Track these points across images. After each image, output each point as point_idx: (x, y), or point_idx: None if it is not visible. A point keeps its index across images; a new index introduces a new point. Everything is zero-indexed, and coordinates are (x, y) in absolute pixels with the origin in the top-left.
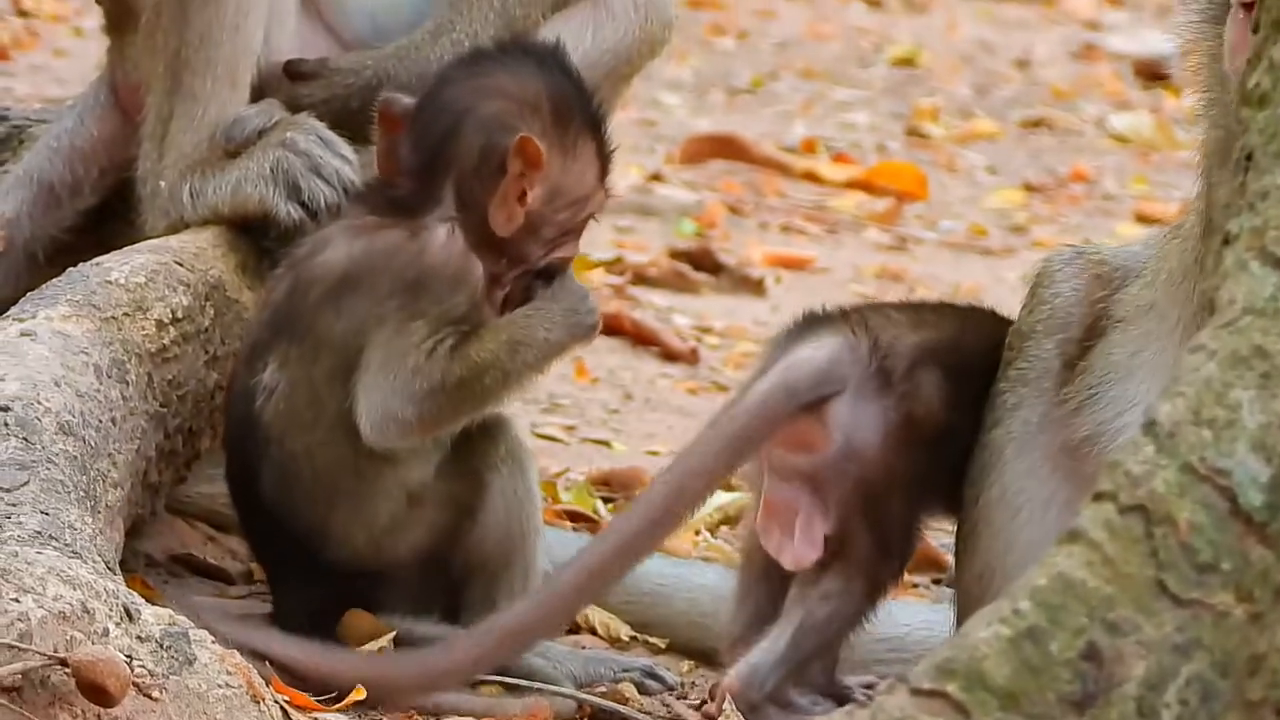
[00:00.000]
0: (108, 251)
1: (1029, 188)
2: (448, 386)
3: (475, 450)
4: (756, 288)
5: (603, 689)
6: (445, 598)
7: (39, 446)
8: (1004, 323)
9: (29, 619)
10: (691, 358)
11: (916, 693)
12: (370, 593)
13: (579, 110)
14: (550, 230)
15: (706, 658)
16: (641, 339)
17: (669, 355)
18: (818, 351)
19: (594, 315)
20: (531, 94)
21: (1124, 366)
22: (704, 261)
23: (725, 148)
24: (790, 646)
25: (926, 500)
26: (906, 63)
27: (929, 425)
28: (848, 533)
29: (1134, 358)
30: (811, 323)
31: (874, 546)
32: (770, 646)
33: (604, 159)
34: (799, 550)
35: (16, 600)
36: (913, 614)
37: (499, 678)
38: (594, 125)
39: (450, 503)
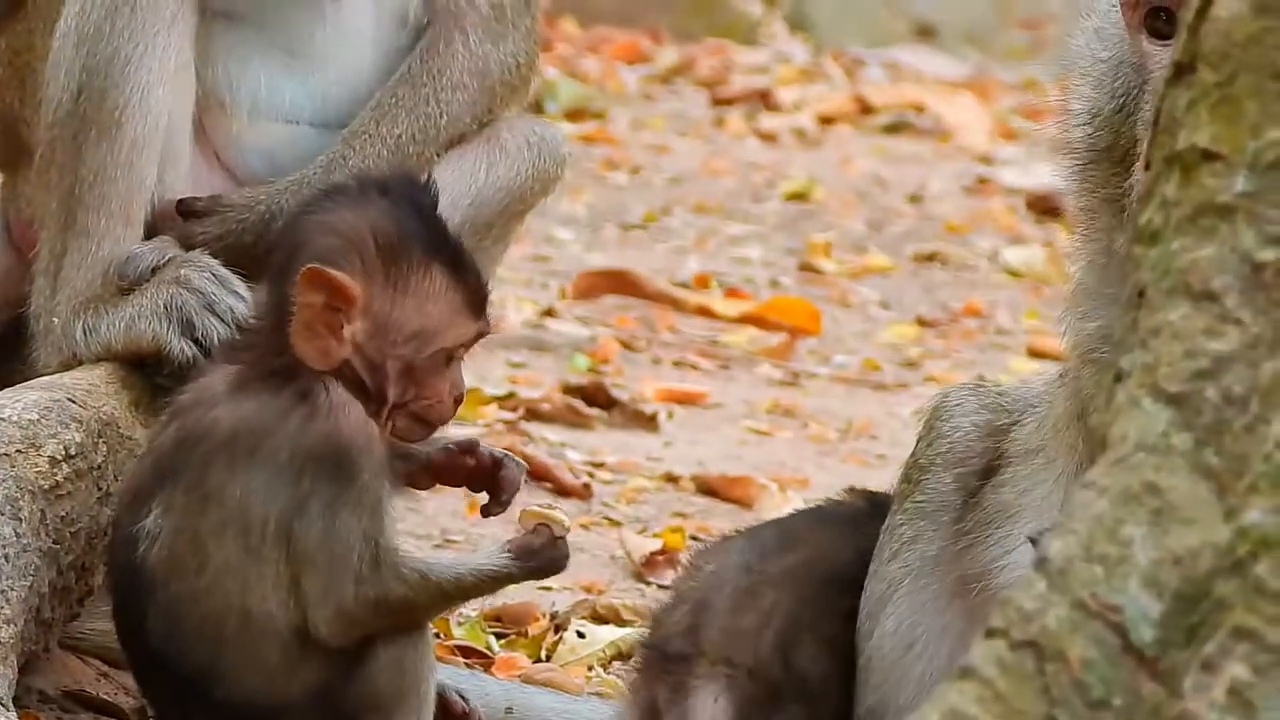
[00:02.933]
0: (0, 388)
1: (922, 322)
2: (391, 601)
3: None
4: (649, 423)
5: None
6: None
7: None
8: (820, 525)
9: None
10: (584, 493)
11: None
12: None
13: (418, 244)
14: (396, 365)
15: None
16: (534, 474)
17: (561, 490)
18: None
19: (557, 558)
20: (358, 229)
21: (1013, 506)
22: (597, 397)
23: (618, 283)
24: None
25: None
26: (800, 198)
27: (834, 683)
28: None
29: (1022, 497)
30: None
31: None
32: None
33: (460, 291)
34: None
35: None
36: None
37: None
38: (441, 258)
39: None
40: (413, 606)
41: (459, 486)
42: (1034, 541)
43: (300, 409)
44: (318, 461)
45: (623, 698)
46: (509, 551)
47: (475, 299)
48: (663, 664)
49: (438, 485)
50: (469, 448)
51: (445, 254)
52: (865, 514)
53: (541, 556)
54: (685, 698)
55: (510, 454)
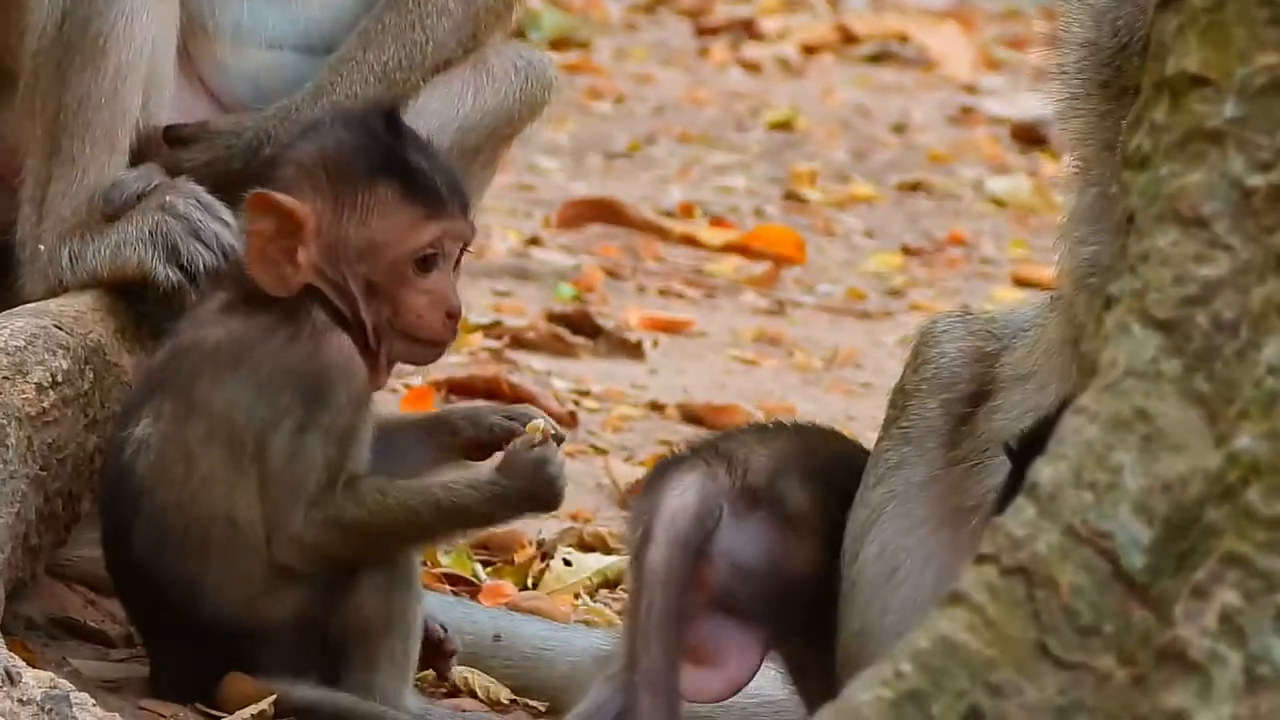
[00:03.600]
0: None
1: (907, 251)
2: (345, 523)
3: None
4: (634, 351)
5: None
6: (326, 661)
7: None
8: (843, 439)
9: None
10: (570, 421)
11: None
12: (250, 655)
13: (364, 162)
14: (358, 284)
15: None
16: (520, 402)
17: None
18: (685, 494)
19: (550, 488)
20: (310, 155)
21: (1006, 432)
22: (582, 325)
23: (603, 212)
24: None
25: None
26: (783, 127)
27: (805, 524)
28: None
29: (1015, 423)
30: (665, 470)
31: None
32: None
33: (413, 203)
34: (734, 674)
35: None
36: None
37: None
38: (389, 174)
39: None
40: (378, 530)
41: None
42: (1010, 450)
43: (284, 330)
44: (296, 382)
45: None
46: (497, 469)
47: (432, 208)
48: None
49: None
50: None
51: (394, 169)
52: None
53: (529, 470)
54: (661, 473)
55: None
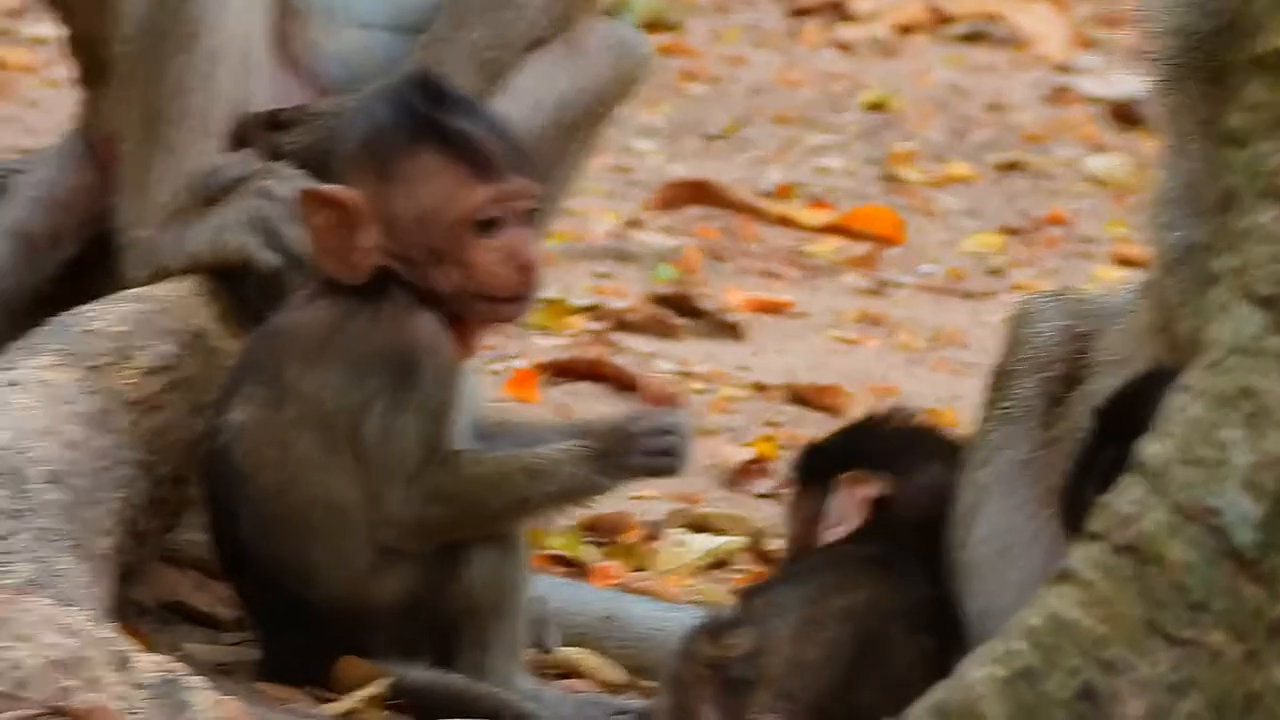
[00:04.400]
0: (89, 302)
1: (1006, 231)
2: (444, 496)
3: None
4: (736, 332)
5: None
6: (437, 643)
7: (28, 496)
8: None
9: (24, 667)
10: (675, 403)
11: None
12: (362, 637)
13: (400, 133)
14: (422, 254)
15: None
16: (624, 385)
17: (652, 401)
18: None
19: (636, 454)
20: (353, 139)
21: None
22: (683, 306)
23: (701, 193)
24: None
25: None
26: (879, 107)
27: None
28: None
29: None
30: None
31: None
32: None
33: (458, 164)
34: None
35: (11, 648)
36: None
37: None
38: (427, 139)
39: (434, 548)
40: (476, 501)
41: None
42: (1097, 411)
43: (365, 312)
44: (382, 362)
45: (665, 699)
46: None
47: (478, 166)
48: (718, 684)
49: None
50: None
51: (433, 136)
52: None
53: (617, 436)
54: None
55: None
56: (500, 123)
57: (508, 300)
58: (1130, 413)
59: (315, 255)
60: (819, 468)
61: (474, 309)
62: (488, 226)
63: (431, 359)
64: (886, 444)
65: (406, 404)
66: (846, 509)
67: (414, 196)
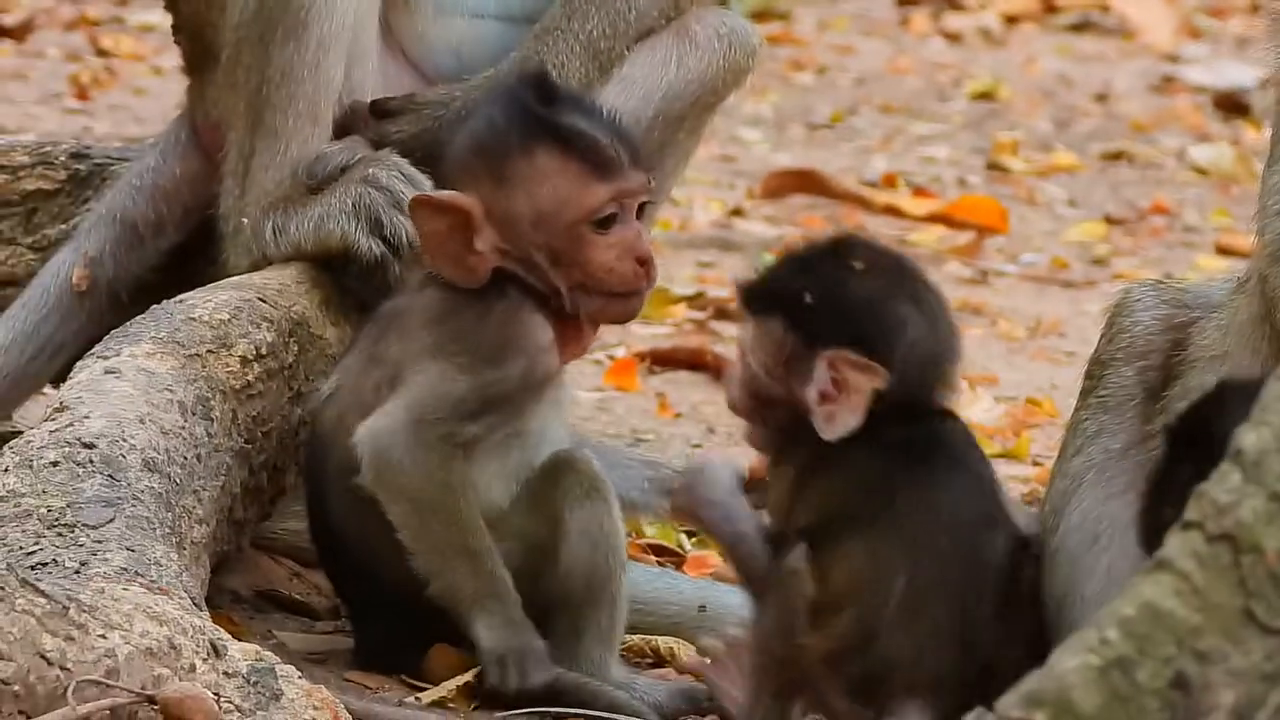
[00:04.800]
0: (190, 289)
1: (1110, 220)
2: (406, 466)
3: (554, 486)
4: None
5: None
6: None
7: (124, 483)
8: None
9: (116, 655)
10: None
11: None
12: (455, 626)
13: (514, 134)
14: (541, 254)
15: None
16: (724, 373)
17: None
18: None
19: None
20: (464, 142)
21: None
22: None
23: (806, 182)
24: None
25: None
26: (985, 97)
27: None
28: None
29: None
30: None
31: None
32: None
33: (574, 162)
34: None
35: (104, 637)
36: None
37: (584, 711)
38: (542, 139)
39: (526, 538)
40: (417, 498)
41: None
42: (1170, 430)
43: (476, 306)
44: (474, 346)
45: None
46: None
47: (597, 165)
48: (831, 674)
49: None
50: None
51: (549, 135)
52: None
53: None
54: None
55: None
56: (613, 118)
57: (625, 295)
58: (1204, 430)
59: (430, 261)
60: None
61: (591, 305)
62: (605, 223)
63: (522, 358)
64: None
65: (474, 374)
66: (850, 401)
67: (532, 197)
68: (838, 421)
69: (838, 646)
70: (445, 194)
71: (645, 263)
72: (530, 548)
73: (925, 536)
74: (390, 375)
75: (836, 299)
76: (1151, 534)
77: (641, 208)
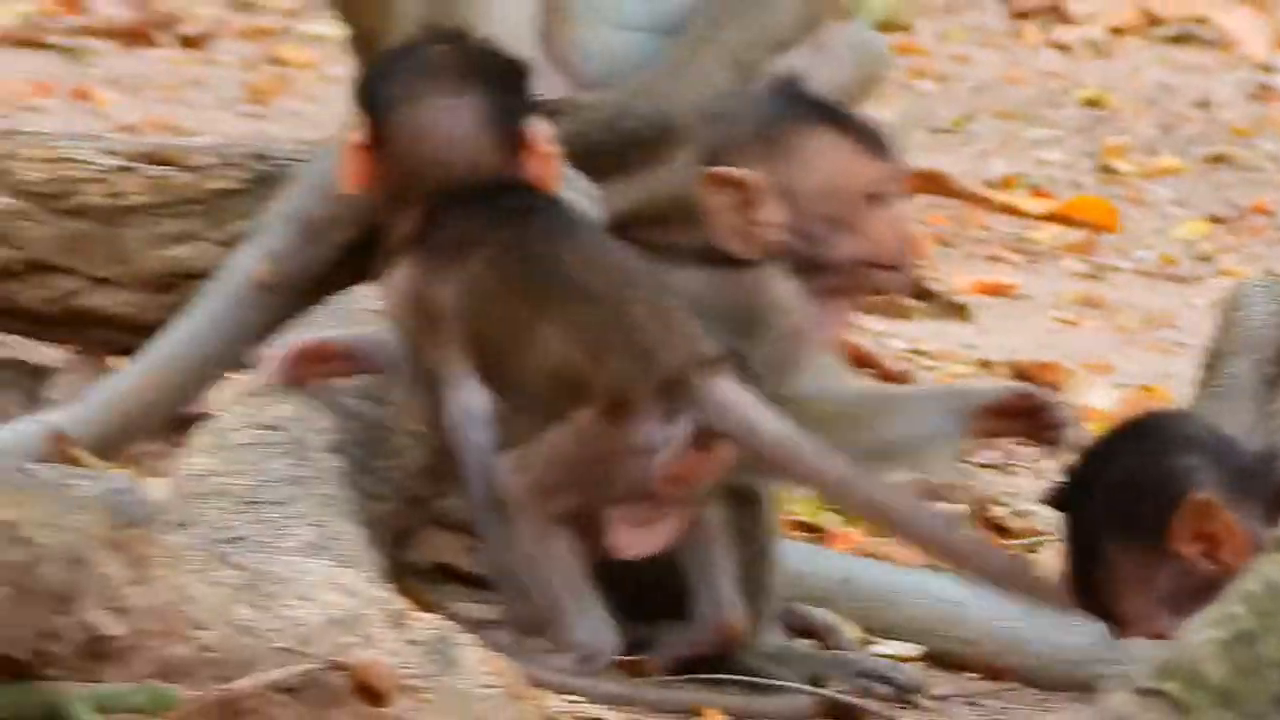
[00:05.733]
0: (365, 283)
1: (1214, 219)
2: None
3: None
4: (963, 313)
5: (842, 688)
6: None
7: (310, 464)
8: None
9: (306, 624)
10: (905, 378)
11: (1139, 691)
12: (619, 599)
13: (793, 113)
14: (821, 226)
15: (939, 660)
16: (861, 362)
17: (886, 376)
18: None
19: None
20: (742, 125)
21: None
22: (914, 289)
23: (930, 183)
24: None
25: None
26: (1095, 104)
27: None
28: None
29: None
30: None
31: None
32: None
33: (850, 139)
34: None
35: (294, 607)
36: None
37: (738, 677)
38: (820, 118)
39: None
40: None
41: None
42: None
43: (730, 280)
44: (731, 317)
45: None
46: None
47: (869, 143)
48: None
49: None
50: (1025, 393)
51: (820, 114)
52: None
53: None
54: None
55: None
56: (869, 118)
57: (894, 268)
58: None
59: (715, 234)
60: None
61: (862, 277)
62: (878, 200)
63: (784, 318)
64: None
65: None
66: None
67: (816, 170)
68: None
69: None
70: (732, 169)
71: (911, 240)
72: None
73: None
74: None
75: None
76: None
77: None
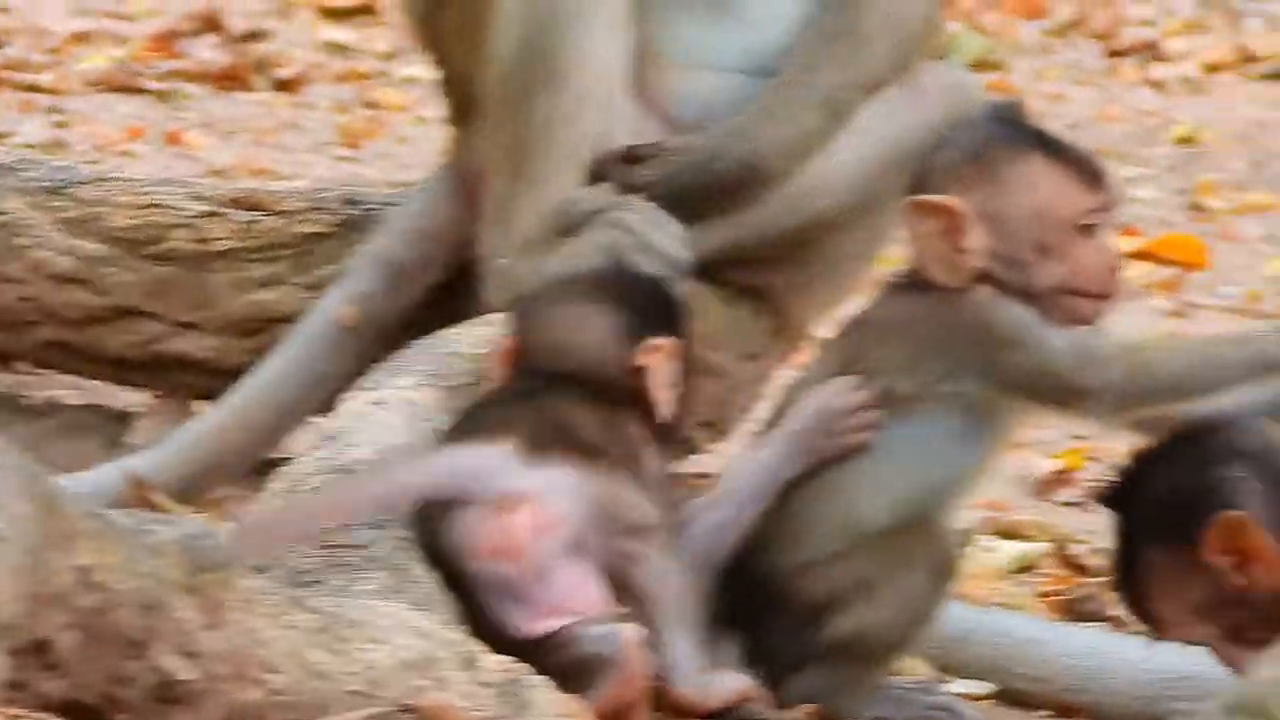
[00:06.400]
0: (452, 325)
1: None
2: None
3: None
4: None
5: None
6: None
7: None
8: None
9: (377, 667)
10: None
11: None
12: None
13: (1002, 141)
14: (1030, 252)
15: (1009, 698)
16: None
17: None
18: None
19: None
20: (950, 154)
21: None
22: None
23: None
24: None
25: None
26: (1188, 141)
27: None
28: None
29: None
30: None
31: None
32: None
33: (1062, 167)
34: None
35: (366, 649)
36: (1202, 654)
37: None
38: (1030, 145)
39: None
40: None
41: None
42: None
43: (947, 306)
44: (965, 343)
45: None
46: None
47: (1084, 174)
48: None
49: None
50: None
51: (1033, 141)
52: None
53: None
54: None
55: None
56: (1083, 148)
57: (1099, 297)
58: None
59: (921, 261)
60: None
61: (1067, 305)
62: (1087, 229)
63: (1028, 331)
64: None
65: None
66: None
67: (1026, 196)
68: None
69: None
70: (938, 197)
71: (1116, 270)
72: None
73: None
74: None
75: None
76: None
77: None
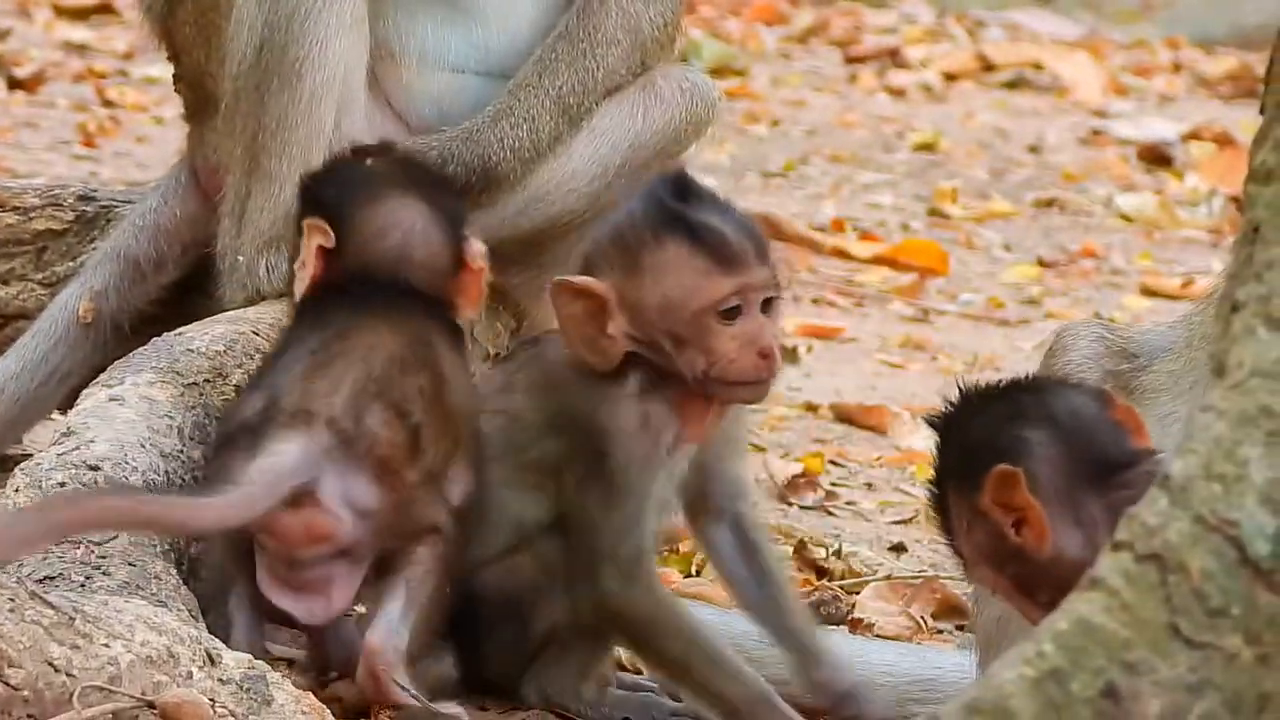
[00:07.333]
0: (189, 322)
1: (1042, 263)
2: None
3: None
4: (790, 355)
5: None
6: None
7: None
8: None
9: (118, 663)
10: None
11: None
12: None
13: (647, 225)
14: (667, 340)
15: None
16: None
17: None
18: (280, 458)
19: None
20: (604, 233)
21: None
22: None
23: (760, 227)
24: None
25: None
26: (927, 148)
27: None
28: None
29: (1162, 424)
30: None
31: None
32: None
33: (702, 254)
34: (336, 607)
35: (107, 645)
36: (944, 658)
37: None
38: (674, 231)
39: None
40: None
41: None
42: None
43: (602, 389)
44: (584, 430)
45: None
46: None
47: (722, 258)
48: None
49: None
50: None
51: (679, 228)
52: None
53: None
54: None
55: None
56: (744, 217)
57: (747, 384)
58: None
59: (567, 343)
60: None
61: (715, 392)
62: (729, 314)
63: (631, 442)
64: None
65: (599, 474)
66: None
67: (660, 285)
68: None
69: None
70: (583, 279)
71: (767, 355)
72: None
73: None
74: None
75: None
76: None
77: (769, 303)
